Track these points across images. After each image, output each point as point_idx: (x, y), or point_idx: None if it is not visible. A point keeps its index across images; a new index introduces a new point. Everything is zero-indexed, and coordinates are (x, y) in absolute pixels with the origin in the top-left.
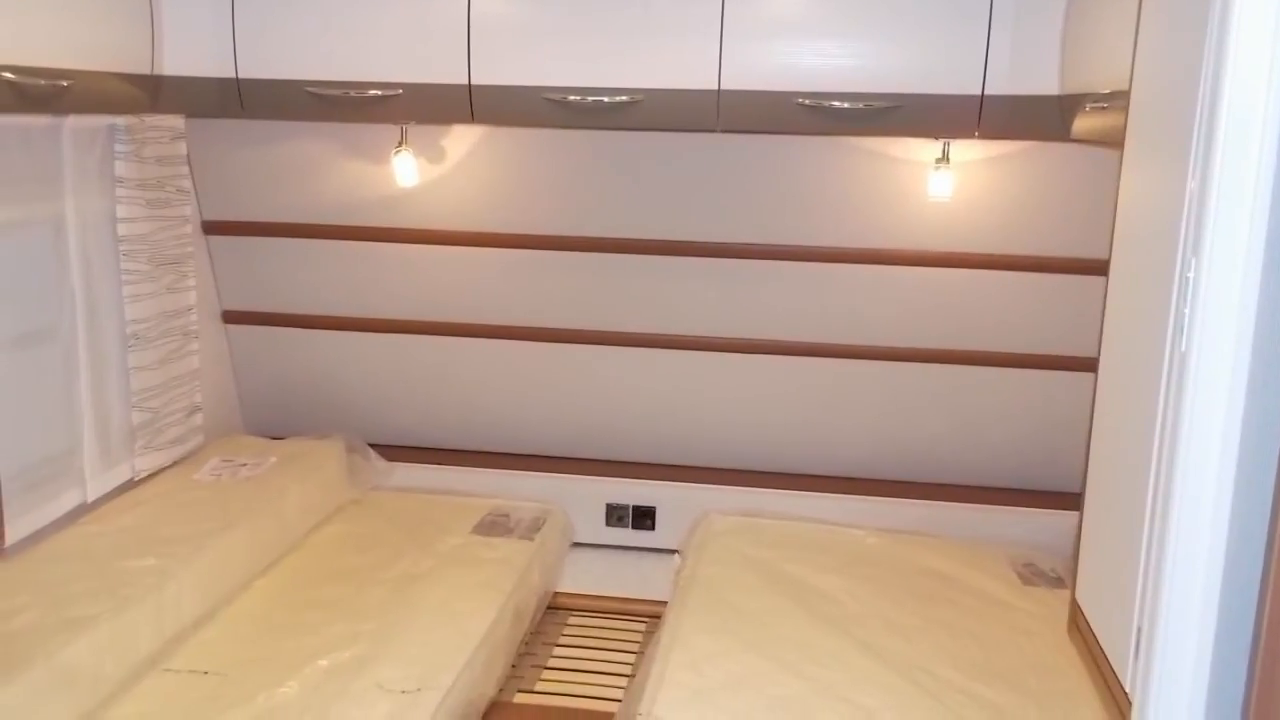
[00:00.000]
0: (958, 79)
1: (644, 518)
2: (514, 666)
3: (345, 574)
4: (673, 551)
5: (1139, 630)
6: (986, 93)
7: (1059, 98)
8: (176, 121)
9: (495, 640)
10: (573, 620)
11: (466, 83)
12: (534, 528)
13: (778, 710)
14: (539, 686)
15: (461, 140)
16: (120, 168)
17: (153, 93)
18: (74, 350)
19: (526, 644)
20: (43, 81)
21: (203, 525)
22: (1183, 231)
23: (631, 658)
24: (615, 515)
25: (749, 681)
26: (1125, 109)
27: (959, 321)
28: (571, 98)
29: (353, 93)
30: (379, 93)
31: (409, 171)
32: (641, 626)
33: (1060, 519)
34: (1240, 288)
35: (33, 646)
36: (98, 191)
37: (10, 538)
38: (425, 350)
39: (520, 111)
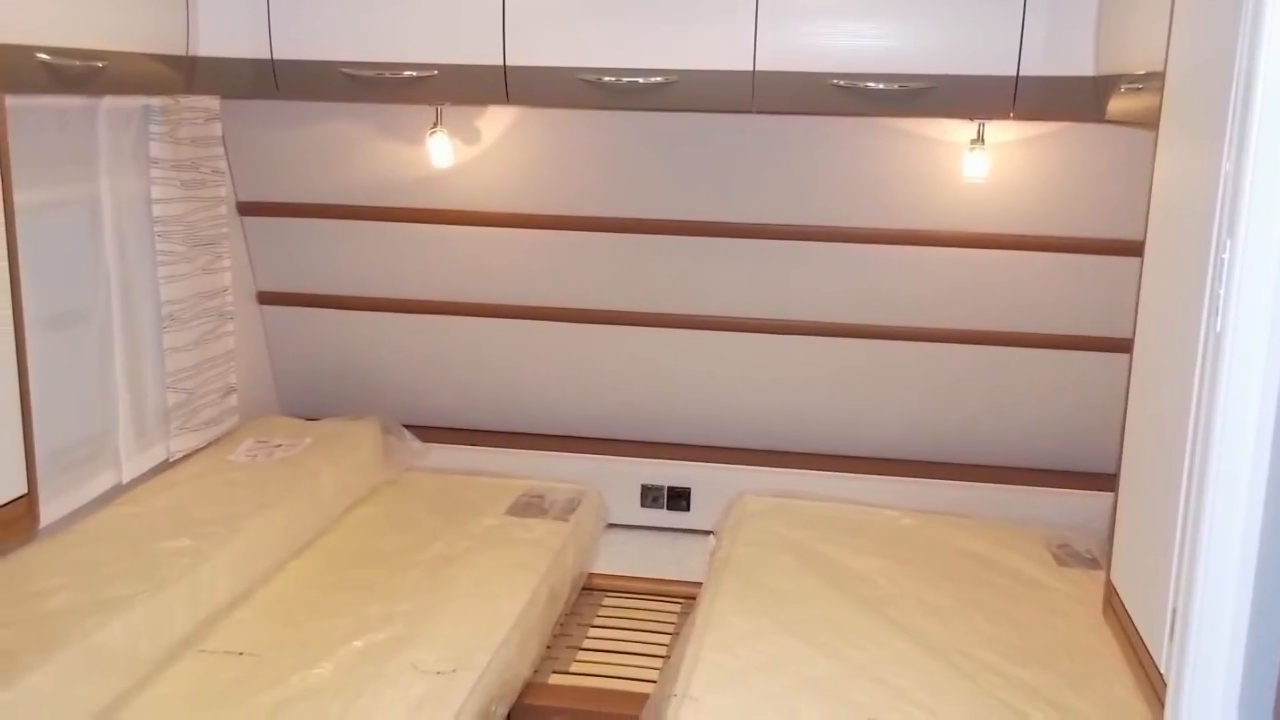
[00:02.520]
0: (993, 60)
1: (679, 499)
2: (549, 647)
3: (380, 555)
4: (708, 532)
5: (1174, 611)
6: (1021, 74)
7: (1094, 79)
8: (211, 102)
9: (530, 621)
10: (607, 601)
11: (502, 64)
12: (569, 509)
13: (812, 691)
14: (574, 667)
15: (496, 121)
16: (155, 149)
17: (188, 74)
18: (109, 331)
19: (561, 625)
20: (78, 62)
21: (238, 506)
22: (1217, 212)
23: (666, 639)
24: (650, 496)
25: (784, 662)
26: (1160, 90)
27: (994, 302)
28: (607, 79)
29: (388, 74)
30: (414, 74)
31: (444, 152)
32: (676, 607)
33: (1095, 500)
34: (1275, 268)
35: (68, 627)
36: (133, 172)
37: (45, 518)
38: (460, 331)
39: (555, 92)
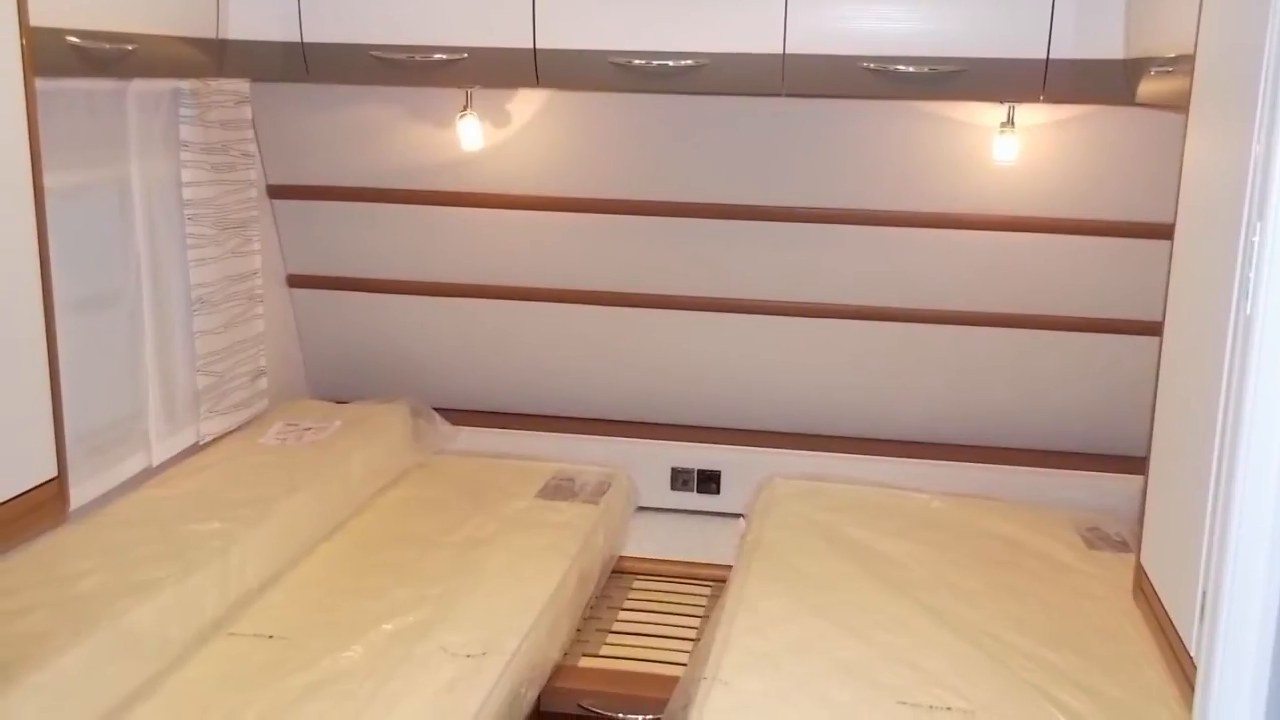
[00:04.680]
0: (1022, 43)
1: (709, 481)
2: (579, 630)
3: (410, 538)
4: (738, 515)
5: (1204, 594)
6: (1051, 57)
7: (1124, 62)
8: (241, 85)
9: (560, 604)
10: (637, 584)
11: (532, 47)
12: (599, 491)
13: (842, 674)
14: (604, 650)
15: (526, 104)
16: (185, 132)
17: (218, 57)
18: (139, 314)
19: (591, 608)
20: (108, 45)
21: (267, 489)
22: (1248, 195)
23: (696, 622)
24: (680, 479)
25: (814, 645)
26: (1190, 73)
27: (1024, 285)
28: (637, 62)
29: (418, 57)
30: (444, 57)
31: (474, 135)
32: (706, 590)
33: (1125, 483)
34: None
35: (98, 610)
36: (162, 155)
37: (75, 501)
38: (490, 314)
39: (585, 75)
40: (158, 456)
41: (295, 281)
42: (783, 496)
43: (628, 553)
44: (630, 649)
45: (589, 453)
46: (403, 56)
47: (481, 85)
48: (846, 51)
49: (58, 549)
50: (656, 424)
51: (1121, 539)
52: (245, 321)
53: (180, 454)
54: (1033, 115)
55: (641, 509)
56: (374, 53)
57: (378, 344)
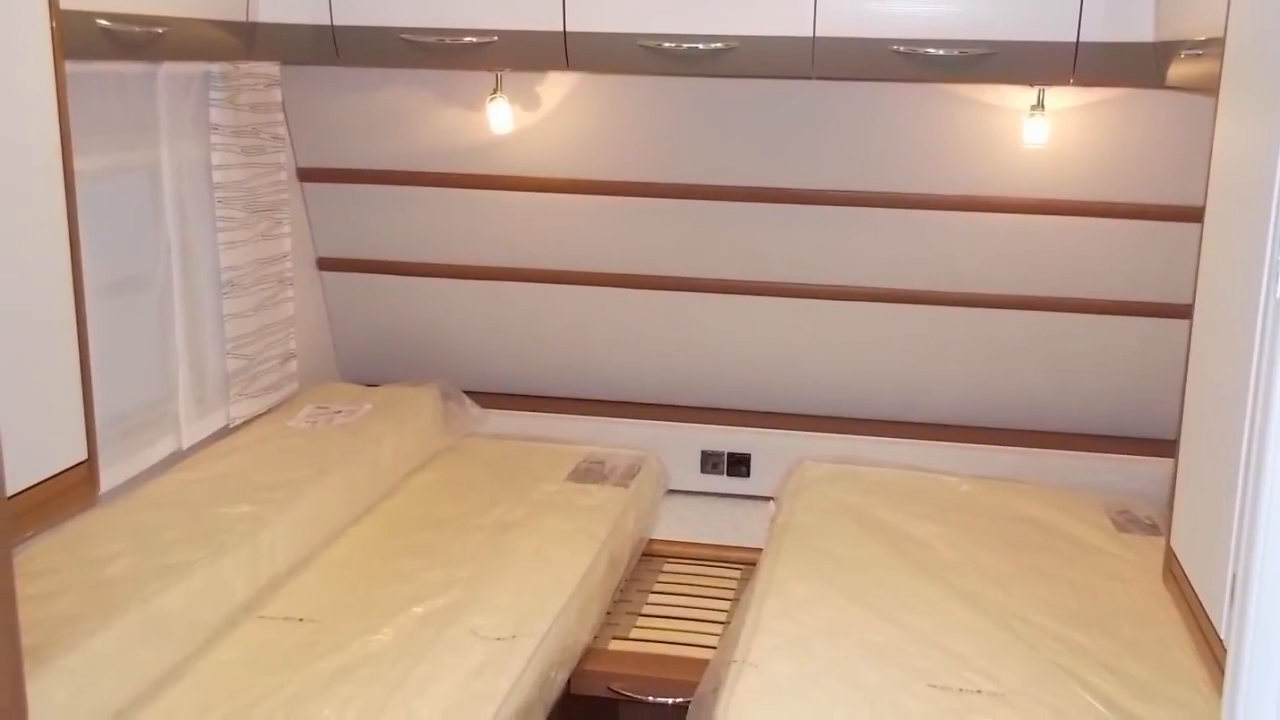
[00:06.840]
0: (1053, 26)
1: (739, 465)
2: (609, 614)
3: (440, 521)
4: (768, 498)
5: (1234, 577)
6: (1081, 40)
7: (1154, 44)
8: (271, 68)
9: (590, 587)
10: (667, 567)
11: (562, 29)
12: (629, 475)
13: (873, 657)
14: (634, 633)
15: (556, 87)
16: (215, 115)
17: (248, 40)
18: (169, 297)
19: (621, 591)
20: (138, 28)
21: (297, 472)
22: (1278, 179)
23: (726, 605)
24: (710, 462)
25: (844, 628)
26: (1220, 56)
27: (1054, 268)
28: (667, 45)
29: (447, 39)
30: (474, 40)
31: (504, 118)
32: (736, 574)
33: (1155, 465)
34: None
35: (128, 593)
36: (193, 138)
37: (105, 484)
38: (520, 297)
39: (615, 59)
40: (187, 440)
41: (325, 264)
42: (813, 479)
43: (658, 536)
44: (660, 632)
45: (619, 436)
46: (432, 39)
47: (511, 68)
48: (876, 34)
49: (88, 532)
50: (686, 407)
51: (1151, 522)
52: (275, 304)
53: (210, 437)
54: (1063, 98)
55: (671, 492)
56: (404, 35)
57: (408, 327)
